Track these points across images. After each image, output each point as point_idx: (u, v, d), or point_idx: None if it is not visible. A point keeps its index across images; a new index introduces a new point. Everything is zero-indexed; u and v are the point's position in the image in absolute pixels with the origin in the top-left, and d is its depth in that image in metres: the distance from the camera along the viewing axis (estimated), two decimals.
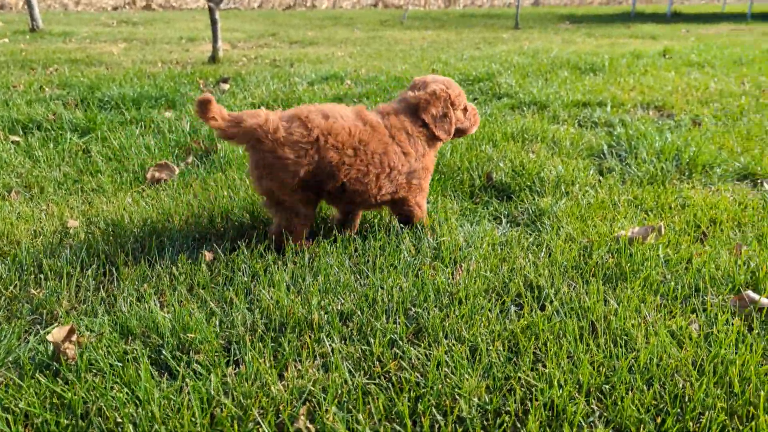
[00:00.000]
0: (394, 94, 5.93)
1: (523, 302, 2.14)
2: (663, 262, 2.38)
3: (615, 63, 7.86)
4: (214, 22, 8.31)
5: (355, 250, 2.53)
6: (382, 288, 2.20)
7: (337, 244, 2.54)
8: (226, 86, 6.38)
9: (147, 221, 2.82)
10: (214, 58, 8.47)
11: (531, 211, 3.03)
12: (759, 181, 3.51)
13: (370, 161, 2.40)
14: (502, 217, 3.00)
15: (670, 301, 2.13)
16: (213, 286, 2.26)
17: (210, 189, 3.21)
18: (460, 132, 2.72)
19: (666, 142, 3.95)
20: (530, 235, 2.76)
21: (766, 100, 5.57)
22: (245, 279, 2.28)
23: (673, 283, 2.21)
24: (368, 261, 2.43)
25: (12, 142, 4.10)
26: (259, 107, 5.39)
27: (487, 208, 3.09)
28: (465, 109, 2.67)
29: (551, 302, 2.12)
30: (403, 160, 2.47)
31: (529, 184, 3.38)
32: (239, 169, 3.57)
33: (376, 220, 2.89)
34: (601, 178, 3.49)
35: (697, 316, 2.04)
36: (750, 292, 2.09)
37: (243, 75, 7.14)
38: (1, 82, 6.28)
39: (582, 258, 2.46)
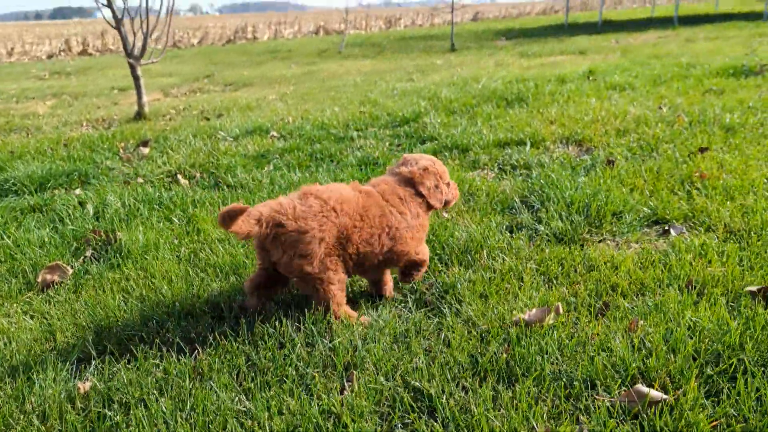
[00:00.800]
0: (316, 146, 5.84)
1: (413, 419, 2.04)
2: (558, 352, 2.31)
3: (540, 90, 7.94)
4: (136, 78, 8.11)
5: (248, 360, 2.40)
6: (269, 410, 2.07)
7: (226, 358, 2.40)
8: (146, 150, 6.19)
9: (28, 344, 2.64)
10: (140, 115, 8.26)
11: (438, 287, 2.95)
12: (667, 227, 3.51)
13: (373, 224, 2.68)
14: (409, 295, 2.91)
15: (562, 402, 2.05)
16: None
17: (102, 293, 3.04)
18: (446, 203, 3.03)
19: (577, 191, 3.94)
20: (432, 318, 2.67)
21: (680, 125, 5.67)
22: (116, 418, 2.12)
23: (564, 380, 2.14)
24: (254, 378, 2.30)
25: None
26: (176, 174, 5.23)
27: (398, 284, 3.00)
28: (448, 184, 3.02)
29: (442, 414, 2.03)
30: (399, 218, 2.77)
31: (439, 252, 3.31)
32: (139, 260, 3.41)
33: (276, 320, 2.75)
34: (511, 238, 3.44)
35: (588, 419, 1.97)
36: (640, 386, 2.04)
37: (167, 133, 6.96)
38: None
39: (479, 350, 2.38)
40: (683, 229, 3.50)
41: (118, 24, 7.69)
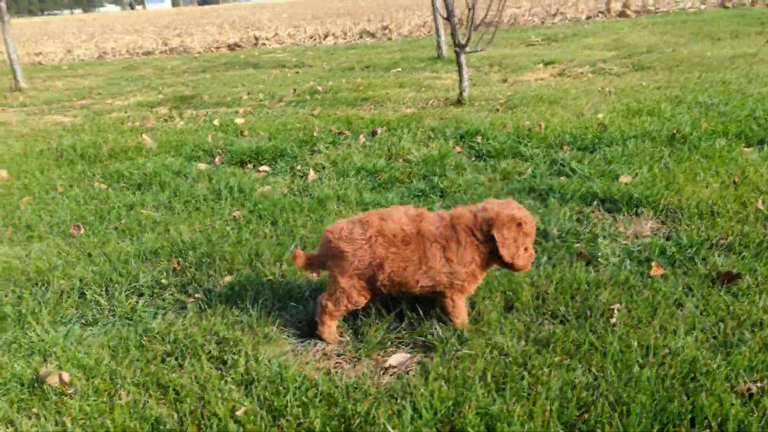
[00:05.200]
0: None
1: None
2: None
3: None
4: (459, 66, 8.70)
5: None
6: None
7: None
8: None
9: None
10: (459, 101, 8.85)
11: None
12: None
13: (408, 258, 2.86)
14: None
15: None
16: None
17: None
18: (512, 266, 2.92)
19: None
20: None
21: None
22: None
23: None
24: None
25: None
26: None
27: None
28: (526, 249, 2.89)
29: None
30: (443, 262, 2.85)
31: None
32: None
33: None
34: None
35: None
36: None
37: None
38: None
39: None
40: None
41: (449, 15, 8.37)
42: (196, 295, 3.47)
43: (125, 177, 5.88)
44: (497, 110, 7.99)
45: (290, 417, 2.42)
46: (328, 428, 2.34)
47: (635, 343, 2.71)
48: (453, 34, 8.50)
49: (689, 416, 2.30)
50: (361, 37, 23.48)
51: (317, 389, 2.60)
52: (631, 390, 2.42)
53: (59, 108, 11.34)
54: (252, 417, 2.42)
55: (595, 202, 4.47)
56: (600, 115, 6.83)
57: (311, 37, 24.28)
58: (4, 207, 5.23)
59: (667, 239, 3.80)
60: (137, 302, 3.47)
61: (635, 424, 2.25)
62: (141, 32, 27.79)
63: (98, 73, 17.36)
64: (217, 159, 6.46)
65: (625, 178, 4.79)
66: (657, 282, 3.27)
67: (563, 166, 5.25)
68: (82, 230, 4.58)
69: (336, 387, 2.61)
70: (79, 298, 3.56)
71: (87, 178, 5.99)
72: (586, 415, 2.33)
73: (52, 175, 6.11)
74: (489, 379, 2.57)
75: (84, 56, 24.36)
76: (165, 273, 3.76)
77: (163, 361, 2.88)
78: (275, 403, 2.50)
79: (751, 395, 2.41)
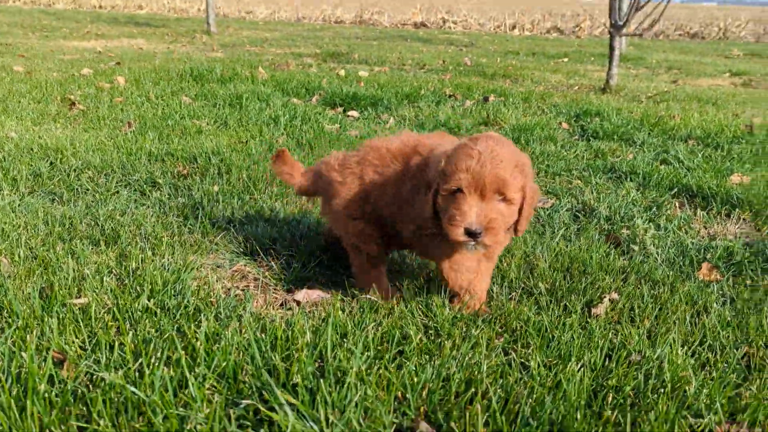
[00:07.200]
0: None
1: None
2: None
3: None
4: (612, 49, 7.67)
5: None
6: None
7: None
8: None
9: None
10: (605, 89, 7.85)
11: None
12: None
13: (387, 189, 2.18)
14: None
15: None
16: None
17: None
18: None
19: None
20: None
21: None
22: None
23: None
24: None
25: None
26: None
27: None
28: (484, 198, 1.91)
29: None
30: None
31: None
32: None
33: None
34: None
35: None
36: None
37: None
38: None
39: None
40: None
41: None
42: (180, 199, 3.26)
43: (213, 96, 5.96)
44: (640, 102, 6.91)
45: (136, 317, 1.99)
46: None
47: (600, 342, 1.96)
48: (610, 11, 7.51)
49: None
50: (548, 32, 22.29)
51: (185, 299, 2.11)
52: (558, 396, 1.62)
53: (228, 48, 12.10)
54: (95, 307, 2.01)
55: (682, 195, 3.55)
56: (757, 119, 5.55)
57: (498, 26, 23.59)
58: (95, 101, 5.55)
59: (748, 246, 2.84)
60: (120, 193, 3.34)
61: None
62: (340, 5, 29.16)
63: (283, 31, 18.40)
64: (314, 98, 6.32)
65: (737, 178, 3.74)
66: (692, 284, 2.43)
67: (671, 156, 4.29)
68: (132, 127, 4.66)
69: (209, 302, 2.13)
70: (72, 177, 3.50)
71: (182, 92, 6.17)
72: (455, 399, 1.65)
73: (156, 87, 6.40)
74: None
75: (284, 18, 26.15)
76: (169, 174, 3.62)
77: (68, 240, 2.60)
78: (120, 300, 2.06)
79: None
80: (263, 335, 1.84)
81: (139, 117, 4.96)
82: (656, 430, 1.54)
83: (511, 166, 1.84)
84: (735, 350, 1.98)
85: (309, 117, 5.23)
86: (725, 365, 1.89)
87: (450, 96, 6.70)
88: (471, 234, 1.81)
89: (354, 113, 5.80)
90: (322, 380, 1.61)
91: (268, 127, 4.85)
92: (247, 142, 4.37)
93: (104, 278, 2.21)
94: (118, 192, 3.36)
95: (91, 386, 1.60)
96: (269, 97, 5.94)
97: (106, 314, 1.97)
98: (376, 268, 2.29)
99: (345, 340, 1.85)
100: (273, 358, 1.71)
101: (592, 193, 3.51)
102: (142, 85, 6.49)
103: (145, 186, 3.45)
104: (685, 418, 1.62)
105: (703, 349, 1.99)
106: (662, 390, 1.72)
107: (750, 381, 1.83)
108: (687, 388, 1.74)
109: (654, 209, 3.28)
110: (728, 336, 2.07)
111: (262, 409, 1.51)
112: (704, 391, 1.72)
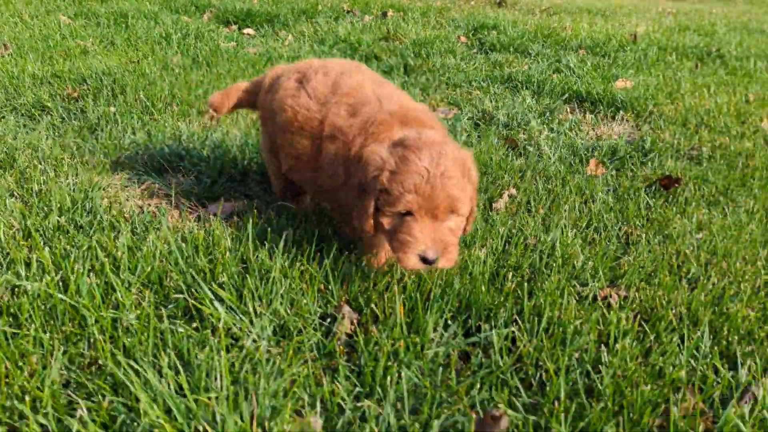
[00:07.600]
0: None
1: None
2: None
3: None
4: None
5: None
6: None
7: None
8: None
9: None
10: None
11: None
12: None
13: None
14: None
15: None
16: None
17: None
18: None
19: None
20: None
21: None
22: None
23: None
24: None
25: None
26: None
27: None
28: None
29: None
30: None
31: None
32: None
33: None
34: None
35: None
36: None
37: None
38: None
39: None
40: None
41: None
42: (74, 122, 3.11)
43: (95, 15, 5.56)
44: (534, 14, 7.12)
45: (48, 235, 1.96)
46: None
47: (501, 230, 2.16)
48: None
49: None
50: None
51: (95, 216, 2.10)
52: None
53: None
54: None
55: (573, 101, 3.81)
56: (640, 29, 5.92)
57: None
58: None
59: (630, 143, 3.14)
60: (7, 118, 3.13)
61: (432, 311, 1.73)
62: None
63: None
64: (206, 16, 6.02)
65: (621, 83, 4.04)
66: (581, 177, 2.68)
67: (563, 65, 4.53)
68: (10, 49, 4.30)
69: (123, 218, 2.11)
70: None
71: (58, 11, 5.70)
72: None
73: (29, 7, 5.86)
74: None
75: None
76: (58, 97, 3.42)
77: None
78: (29, 221, 1.99)
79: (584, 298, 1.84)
80: (184, 244, 1.88)
81: (14, 39, 4.57)
82: (549, 297, 1.76)
83: (461, 178, 1.64)
84: (616, 230, 2.26)
85: (203, 35, 5.03)
86: (608, 242, 2.15)
87: (348, 12, 6.60)
88: (426, 261, 1.62)
89: (250, 31, 5.61)
90: (247, 276, 1.69)
91: (159, 45, 4.63)
92: (139, 61, 4.16)
93: (7, 200, 2.13)
94: (3, 117, 3.16)
95: (15, 298, 1.60)
96: (156, 15, 5.61)
97: (16, 233, 1.92)
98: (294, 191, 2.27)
99: (265, 242, 1.93)
100: (197, 263, 1.76)
101: (491, 101, 3.68)
102: (11, 3, 5.92)
103: (33, 110, 3.25)
104: (574, 286, 1.87)
105: (590, 230, 2.24)
106: (554, 265, 1.95)
107: (628, 253, 2.11)
108: (575, 262, 1.98)
109: (548, 114, 3.50)
110: (611, 219, 2.34)
111: (192, 302, 1.57)
112: (590, 263, 1.97)
